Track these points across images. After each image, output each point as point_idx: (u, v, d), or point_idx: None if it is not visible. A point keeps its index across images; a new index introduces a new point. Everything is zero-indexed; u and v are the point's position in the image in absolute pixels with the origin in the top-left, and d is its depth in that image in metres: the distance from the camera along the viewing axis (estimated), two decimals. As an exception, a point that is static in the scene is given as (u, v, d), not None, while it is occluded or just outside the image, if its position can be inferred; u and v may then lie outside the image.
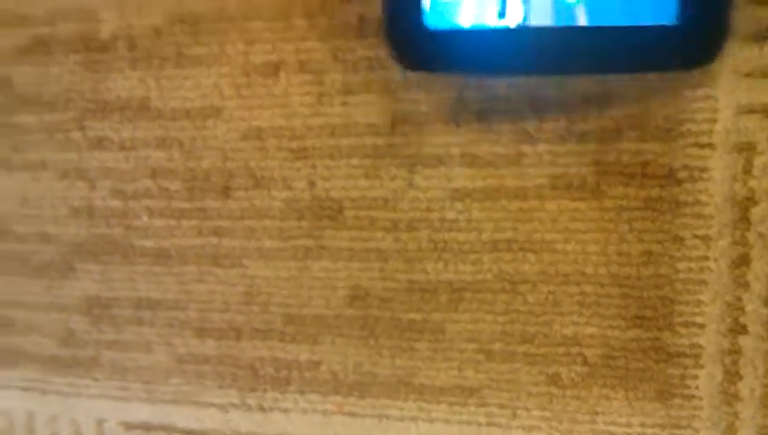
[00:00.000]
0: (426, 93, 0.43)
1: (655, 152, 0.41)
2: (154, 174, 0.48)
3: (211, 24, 0.45)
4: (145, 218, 0.49)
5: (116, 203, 0.50)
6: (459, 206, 0.44)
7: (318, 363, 0.49)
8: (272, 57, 0.45)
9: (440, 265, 0.45)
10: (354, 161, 0.45)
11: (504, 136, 0.42)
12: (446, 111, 0.43)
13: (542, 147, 0.42)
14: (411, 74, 0.43)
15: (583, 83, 0.41)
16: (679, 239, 0.41)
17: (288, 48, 0.44)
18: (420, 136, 0.44)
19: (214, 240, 0.49)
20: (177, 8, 0.45)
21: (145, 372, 0.52)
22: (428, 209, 0.45)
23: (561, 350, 0.45)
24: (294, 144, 0.45)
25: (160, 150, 0.48)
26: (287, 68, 0.45)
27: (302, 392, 0.50)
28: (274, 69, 0.45)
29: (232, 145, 0.47)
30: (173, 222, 0.49)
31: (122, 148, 0.49)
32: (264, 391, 0.50)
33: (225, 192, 0.47)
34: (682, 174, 0.40)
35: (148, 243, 0.50)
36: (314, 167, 0.46)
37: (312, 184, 0.46)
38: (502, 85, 0.42)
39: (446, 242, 0.45)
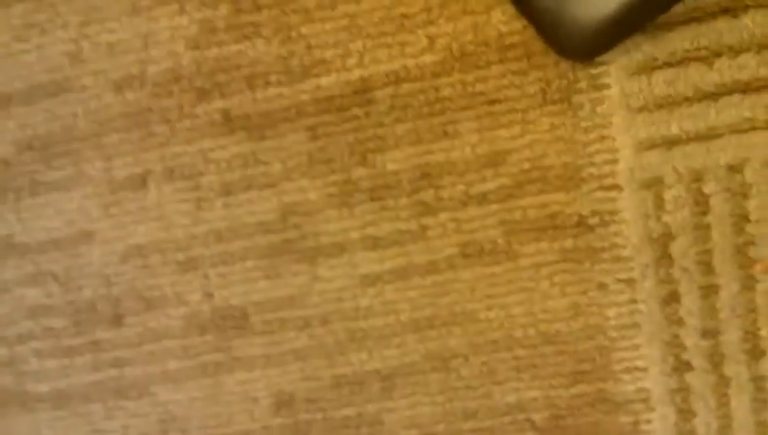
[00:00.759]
0: (311, 180, 0.40)
1: (560, 202, 0.39)
2: (34, 314, 0.45)
3: (63, 146, 0.43)
4: (34, 362, 0.45)
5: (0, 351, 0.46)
6: (371, 291, 0.42)
7: (253, 483, 0.45)
8: (136, 169, 0.42)
9: (363, 354, 0.43)
10: (249, 264, 0.42)
11: (402, 211, 0.41)
12: (336, 194, 0.41)
13: (444, 216, 0.40)
14: (294, 162, 0.40)
15: (471, 142, 0.39)
16: (603, 286, 0.40)
17: (152, 157, 0.42)
18: (315, 226, 0.42)
19: (114, 372, 0.45)
20: (21, 135, 0.43)
21: None
22: (339, 300, 0.42)
23: (507, 419, 0.43)
24: (180, 256, 0.43)
25: (35, 287, 0.45)
26: (155, 177, 0.42)
27: None
28: (142, 181, 0.42)
29: (112, 269, 0.44)
30: (66, 361, 0.45)
31: (-6, 291, 0.45)
32: None
33: (116, 320, 0.44)
34: (593, 220, 0.39)
35: (44, 387, 0.46)
36: (207, 277, 0.43)
37: (208, 295, 0.43)
38: (389, 158, 0.40)
39: (364, 330, 0.43)
